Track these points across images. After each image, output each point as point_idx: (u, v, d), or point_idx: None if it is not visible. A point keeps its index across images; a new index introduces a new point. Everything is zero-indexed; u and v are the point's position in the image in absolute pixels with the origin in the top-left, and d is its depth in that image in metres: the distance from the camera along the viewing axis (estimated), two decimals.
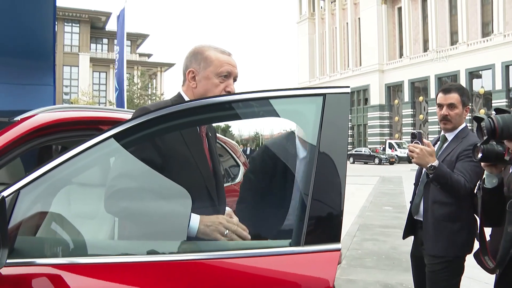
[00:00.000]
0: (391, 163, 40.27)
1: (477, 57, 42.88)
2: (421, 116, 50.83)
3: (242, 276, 1.41)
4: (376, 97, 55.23)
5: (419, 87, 52.19)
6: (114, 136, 1.54)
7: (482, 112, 39.35)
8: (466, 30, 45.63)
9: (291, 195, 2.25)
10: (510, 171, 2.31)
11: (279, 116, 1.59)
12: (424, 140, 2.96)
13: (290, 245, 1.43)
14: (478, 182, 2.58)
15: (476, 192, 2.47)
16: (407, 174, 25.48)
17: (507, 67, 41.26)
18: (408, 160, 41.38)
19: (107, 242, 2.16)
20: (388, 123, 55.75)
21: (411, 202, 3.34)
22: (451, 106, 3.13)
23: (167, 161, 1.88)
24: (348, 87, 1.54)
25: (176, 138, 1.94)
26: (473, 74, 43.53)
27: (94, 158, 1.59)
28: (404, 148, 44.01)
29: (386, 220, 10.61)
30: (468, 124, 3.09)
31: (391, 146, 44.87)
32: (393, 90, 55.34)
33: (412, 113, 51.94)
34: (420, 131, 3.10)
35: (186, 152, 1.97)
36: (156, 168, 1.80)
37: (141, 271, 1.40)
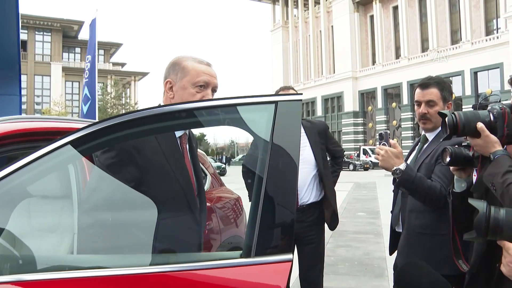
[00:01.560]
0: (366, 169, 40.61)
1: (447, 63, 43.72)
2: (394, 122, 51.46)
3: None
4: (350, 104, 55.75)
5: (392, 94, 52.87)
6: (71, 142, 1.46)
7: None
8: (436, 37, 46.52)
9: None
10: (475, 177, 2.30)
11: (231, 125, 1.56)
12: (391, 140, 2.65)
13: (241, 257, 1.39)
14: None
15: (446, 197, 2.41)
16: (381, 180, 25.71)
17: (475, 73, 42.16)
18: None
19: (64, 256, 2.09)
20: (362, 130, 56.30)
21: (391, 212, 3.06)
22: (430, 103, 2.80)
23: (144, 173, 1.84)
24: (301, 94, 1.51)
25: (153, 149, 1.89)
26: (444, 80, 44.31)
27: (48, 166, 1.51)
28: None
29: (359, 226, 10.66)
30: None
31: (365, 152, 45.31)
32: (366, 96, 55.95)
33: (385, 119, 52.56)
34: (387, 130, 2.77)
35: (164, 163, 1.92)
36: (132, 180, 1.78)
37: (95, 286, 1.35)
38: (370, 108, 55.27)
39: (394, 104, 51.74)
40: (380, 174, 32.67)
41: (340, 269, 6.77)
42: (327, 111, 60.26)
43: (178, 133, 2.06)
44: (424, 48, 48.65)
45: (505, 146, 1.98)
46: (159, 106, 1.49)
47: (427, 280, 1.52)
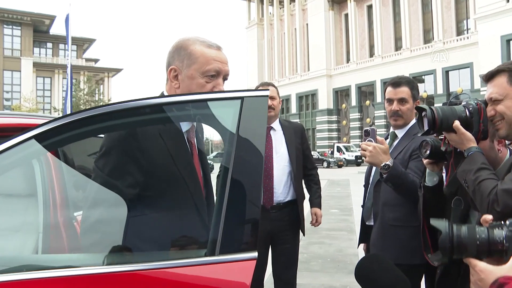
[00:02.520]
0: (339, 166, 40.91)
1: (420, 62, 44.34)
2: (368, 120, 51.95)
3: None
4: (324, 101, 56.07)
5: (365, 92, 53.34)
6: (35, 136, 1.41)
7: None
8: (409, 36, 47.11)
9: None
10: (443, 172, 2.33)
11: (196, 121, 1.52)
12: (378, 137, 2.71)
13: (205, 255, 1.36)
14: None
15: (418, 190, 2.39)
16: (354, 177, 25.94)
17: (447, 72, 42.84)
18: (356, 163, 42.40)
19: (26, 256, 2.03)
20: (336, 127, 56.68)
21: (362, 206, 3.18)
22: (401, 100, 2.93)
23: (148, 177, 1.68)
24: (267, 89, 1.48)
25: (159, 149, 1.72)
26: (416, 78, 44.82)
27: (10, 161, 1.45)
28: (352, 151, 44.84)
29: (332, 223, 10.74)
30: None
31: (339, 150, 45.62)
32: (340, 94, 56.33)
33: (359, 116, 53.02)
34: (374, 127, 2.84)
35: (170, 166, 1.76)
36: (135, 186, 1.67)
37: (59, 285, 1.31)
38: (344, 105, 55.69)
39: (367, 102, 52.23)
40: (354, 171, 32.98)
41: (313, 266, 6.80)
42: (301, 109, 60.47)
43: (184, 127, 1.86)
44: (398, 47, 49.21)
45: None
46: (161, 95, 1.44)
47: (386, 274, 1.51)
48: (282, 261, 3.85)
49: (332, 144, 50.13)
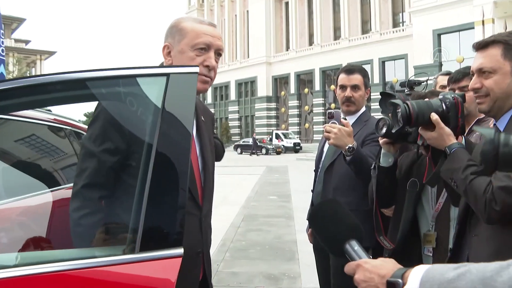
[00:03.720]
0: (278, 153, 41.31)
1: (358, 52, 45.27)
2: (306, 107, 52.68)
3: None
4: (264, 88, 56.27)
5: (304, 80, 53.98)
6: None
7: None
8: (348, 27, 47.99)
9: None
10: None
11: (114, 100, 1.36)
12: (342, 119, 2.69)
13: (124, 253, 1.20)
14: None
15: (371, 171, 2.31)
16: (293, 164, 26.28)
17: (383, 62, 44.09)
18: (294, 150, 42.97)
19: None
20: (275, 114, 57.10)
21: (312, 191, 3.15)
22: (354, 87, 2.97)
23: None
24: (197, 66, 1.35)
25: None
26: None
27: None
28: (290, 138, 45.40)
29: (271, 209, 10.74)
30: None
31: (277, 137, 46.01)
32: (280, 82, 56.71)
33: (298, 104, 53.66)
34: (338, 110, 2.82)
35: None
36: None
37: None
38: (283, 93, 56.12)
39: (306, 90, 52.88)
40: (292, 158, 33.41)
41: (252, 253, 6.74)
42: (240, 96, 60.40)
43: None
44: (336, 36, 50.03)
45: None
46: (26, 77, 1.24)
47: (342, 221, 1.42)
48: None
49: (271, 131, 50.49)
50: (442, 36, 35.38)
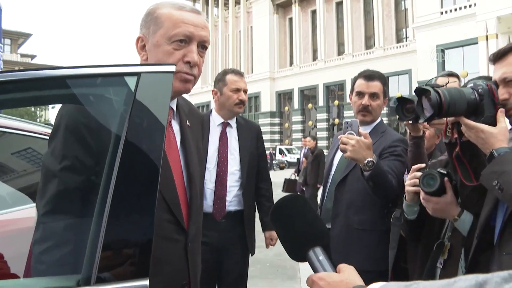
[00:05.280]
0: (282, 168, 41.06)
1: (361, 67, 44.73)
2: (310, 123, 52.55)
3: None
4: (267, 104, 56.22)
5: (308, 95, 53.92)
6: None
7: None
8: (352, 42, 48.04)
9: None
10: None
11: (74, 105, 1.17)
12: (361, 130, 2.41)
13: (78, 285, 1.00)
14: (394, 213, 2.26)
15: (393, 221, 2.13)
16: None
17: (387, 78, 43.73)
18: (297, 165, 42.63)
19: None
20: (279, 130, 56.96)
21: (320, 208, 2.87)
22: (373, 95, 2.71)
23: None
24: (174, 65, 1.15)
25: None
26: None
27: None
28: (293, 153, 45.19)
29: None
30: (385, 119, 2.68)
31: (281, 152, 45.82)
32: (283, 97, 56.67)
33: (301, 119, 53.54)
34: (356, 119, 2.52)
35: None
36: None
37: None
38: (286, 108, 56.03)
39: (310, 105, 52.80)
40: None
41: (252, 271, 6.50)
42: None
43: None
44: (340, 52, 50.07)
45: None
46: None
47: (311, 223, 1.19)
48: (230, 281, 3.42)
49: (274, 146, 50.35)
50: (446, 51, 35.28)
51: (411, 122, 1.96)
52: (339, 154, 2.77)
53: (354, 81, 2.86)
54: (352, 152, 2.32)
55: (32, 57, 63.07)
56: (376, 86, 2.72)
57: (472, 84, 1.73)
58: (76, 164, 1.26)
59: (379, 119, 2.81)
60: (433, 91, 1.65)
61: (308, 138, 12.24)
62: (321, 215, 2.82)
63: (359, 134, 2.38)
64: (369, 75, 2.76)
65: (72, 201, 1.26)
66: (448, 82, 1.85)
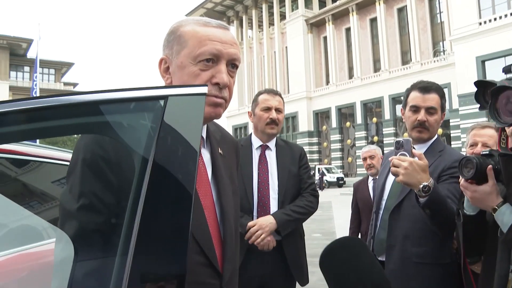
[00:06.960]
0: (321, 188, 40.58)
1: (399, 83, 44.56)
2: (348, 141, 51.95)
3: None
4: (305, 123, 55.96)
5: (346, 113, 53.43)
6: None
7: (405, 135, 40.87)
8: (388, 58, 47.47)
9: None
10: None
11: (91, 136, 1.04)
12: (414, 150, 2.13)
13: None
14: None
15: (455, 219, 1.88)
16: (336, 199, 25.58)
17: None
18: (337, 184, 42.00)
19: None
20: (317, 149, 56.51)
21: (373, 238, 2.56)
22: (430, 109, 2.40)
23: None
24: (206, 85, 0.99)
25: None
26: (396, 99, 45.08)
27: None
28: (333, 173, 44.59)
29: (315, 248, 10.17)
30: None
31: (320, 171, 45.39)
32: (321, 116, 56.33)
33: (340, 138, 52.98)
34: (409, 138, 2.22)
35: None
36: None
37: None
38: (324, 127, 55.63)
39: (348, 124, 52.28)
40: (335, 193, 32.64)
41: None
42: (282, 131, 60.18)
43: None
44: (376, 69, 49.56)
45: None
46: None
47: (368, 273, 0.99)
48: None
49: (314, 166, 49.93)
50: (486, 62, 34.31)
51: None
52: (391, 177, 2.48)
53: (407, 94, 2.59)
54: (405, 176, 2.06)
55: (74, 85, 65.15)
56: (433, 99, 2.43)
57: None
58: (95, 202, 1.12)
59: (435, 136, 2.50)
60: (502, 82, 1.45)
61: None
62: (373, 246, 2.55)
63: (412, 155, 2.11)
64: (425, 87, 2.46)
65: (92, 243, 1.11)
66: None
